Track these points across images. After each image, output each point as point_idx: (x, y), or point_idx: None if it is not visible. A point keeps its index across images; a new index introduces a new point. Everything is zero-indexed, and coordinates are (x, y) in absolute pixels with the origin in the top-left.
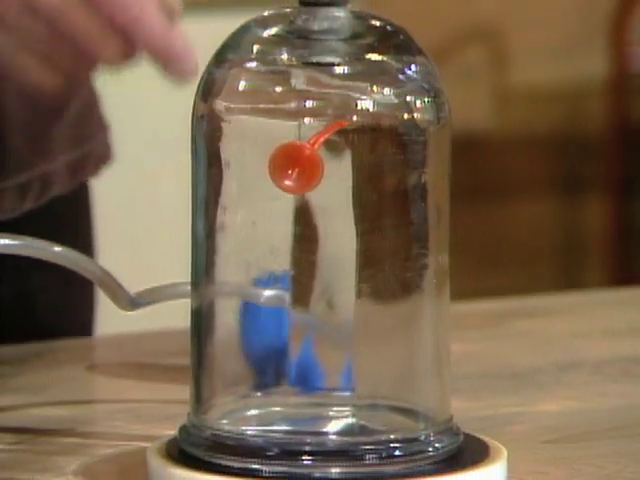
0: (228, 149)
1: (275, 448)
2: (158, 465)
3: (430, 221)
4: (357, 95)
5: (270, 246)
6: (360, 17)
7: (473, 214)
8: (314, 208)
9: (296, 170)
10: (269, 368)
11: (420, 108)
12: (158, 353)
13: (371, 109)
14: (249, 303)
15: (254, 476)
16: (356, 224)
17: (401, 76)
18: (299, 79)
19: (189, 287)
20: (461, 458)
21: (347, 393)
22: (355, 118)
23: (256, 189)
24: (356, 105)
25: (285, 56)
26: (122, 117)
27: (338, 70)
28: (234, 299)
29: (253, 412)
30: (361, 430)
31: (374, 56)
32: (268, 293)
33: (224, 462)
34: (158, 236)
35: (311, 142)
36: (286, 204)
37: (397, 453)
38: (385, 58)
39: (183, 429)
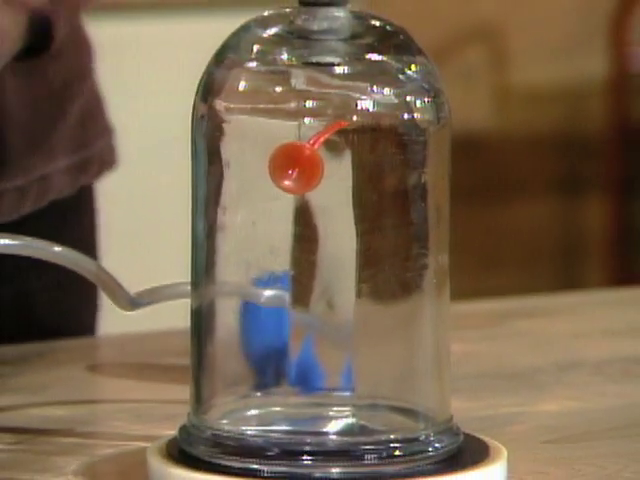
0: (228, 149)
1: (275, 448)
2: (158, 465)
3: (430, 221)
4: (357, 95)
5: (270, 246)
6: (360, 17)
7: (473, 214)
8: (314, 208)
9: (296, 170)
10: (269, 368)
11: (420, 108)
12: (158, 353)
13: (371, 109)
14: (249, 303)
15: (254, 476)
16: (356, 224)
17: (401, 76)
18: (299, 79)
19: (189, 287)
20: (461, 458)
21: (347, 393)
22: (355, 118)
23: (256, 189)
24: (356, 105)
25: (285, 56)
26: (121, 117)
27: (338, 70)
28: (234, 299)
29: (253, 412)
30: (361, 430)
31: (374, 56)
32: (268, 293)
33: (224, 462)
34: (158, 236)
35: (311, 142)
36: (286, 204)
37: (397, 453)
38: (385, 58)
39: (183, 429)
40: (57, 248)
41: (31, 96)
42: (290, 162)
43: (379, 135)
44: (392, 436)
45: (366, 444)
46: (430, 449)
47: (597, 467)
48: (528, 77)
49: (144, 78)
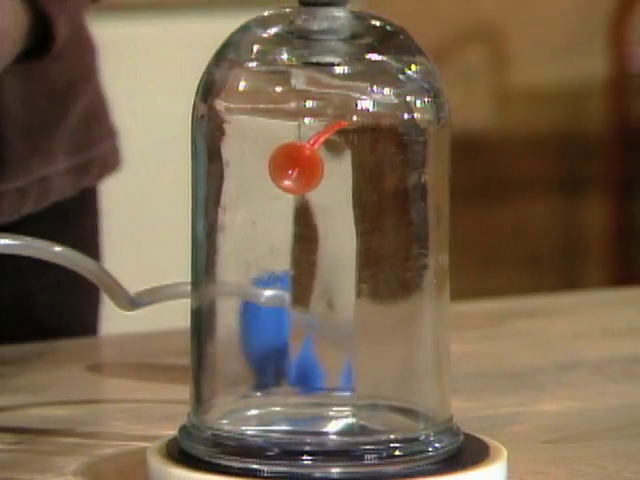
0: (228, 149)
1: (275, 448)
2: (158, 465)
3: (430, 221)
4: (357, 95)
5: (270, 246)
6: (360, 17)
7: (473, 214)
8: (314, 208)
9: (296, 170)
10: (269, 368)
11: (420, 108)
12: (158, 353)
13: (371, 109)
14: (249, 303)
15: (254, 476)
16: (356, 224)
17: (401, 76)
18: (299, 79)
19: (189, 287)
20: (461, 458)
21: (347, 393)
22: (355, 118)
23: (256, 189)
24: (356, 105)
25: (285, 56)
26: (120, 117)
27: (338, 70)
28: (234, 299)
29: (253, 412)
30: (361, 430)
31: (374, 56)
32: (268, 293)
33: (224, 462)
34: (158, 236)
35: (311, 142)
36: (286, 204)
37: (397, 453)
38: (385, 58)
39: (183, 429)
40: (57, 248)
41: (32, 97)
42: (290, 162)
43: (379, 135)
44: (392, 436)
45: (366, 444)
46: (430, 449)
47: (597, 467)
48: (528, 77)
49: (143, 78)
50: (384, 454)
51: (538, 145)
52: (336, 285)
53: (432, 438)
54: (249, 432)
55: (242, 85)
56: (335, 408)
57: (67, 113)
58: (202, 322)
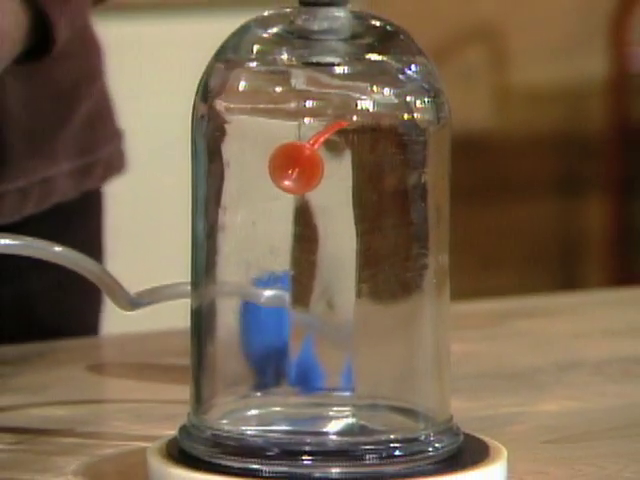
0: (228, 149)
1: (275, 448)
2: (158, 465)
3: (430, 221)
4: (357, 95)
5: (270, 246)
6: (360, 17)
7: (473, 214)
8: (314, 208)
9: (296, 170)
10: (269, 368)
11: (420, 108)
12: (158, 353)
13: (371, 109)
14: (249, 303)
15: (254, 476)
16: (356, 224)
17: (401, 76)
18: (299, 79)
19: (189, 287)
20: (461, 458)
21: (347, 393)
22: (355, 118)
23: (256, 189)
24: (356, 105)
25: (285, 56)
26: (120, 117)
27: (338, 70)
28: (234, 299)
29: (253, 412)
30: (361, 430)
31: (374, 56)
32: (268, 293)
33: (224, 462)
34: (158, 236)
35: (311, 142)
36: (286, 204)
37: (397, 453)
38: (385, 58)
39: (183, 429)
40: (57, 248)
41: (34, 99)
42: (290, 162)
43: (379, 135)
44: (392, 436)
45: (366, 444)
46: (430, 449)
47: (597, 467)
48: (528, 77)
49: (144, 78)
50: (384, 454)
51: (538, 145)
52: (336, 285)
53: (432, 438)
54: (249, 432)
55: (242, 85)
56: (335, 408)
57: (71, 115)
58: (202, 322)
